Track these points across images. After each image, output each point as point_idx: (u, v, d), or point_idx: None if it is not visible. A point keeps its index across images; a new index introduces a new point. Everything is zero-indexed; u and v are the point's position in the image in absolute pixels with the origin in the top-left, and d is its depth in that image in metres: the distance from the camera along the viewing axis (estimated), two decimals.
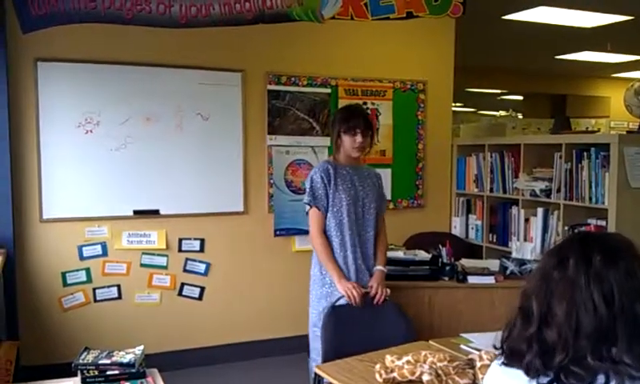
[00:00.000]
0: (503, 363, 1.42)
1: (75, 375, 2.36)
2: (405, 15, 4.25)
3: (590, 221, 4.25)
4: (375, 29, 4.85)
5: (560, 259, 1.37)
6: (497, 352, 1.47)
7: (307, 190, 3.30)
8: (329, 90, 4.91)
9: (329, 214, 3.26)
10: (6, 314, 3.90)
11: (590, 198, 4.17)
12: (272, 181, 4.77)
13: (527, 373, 1.33)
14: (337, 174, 3.25)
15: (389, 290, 3.25)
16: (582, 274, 1.31)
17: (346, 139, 3.25)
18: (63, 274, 4.26)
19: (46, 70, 4.14)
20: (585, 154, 4.23)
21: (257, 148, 4.73)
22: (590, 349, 1.27)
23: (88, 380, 2.32)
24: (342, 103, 4.92)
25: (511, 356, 1.39)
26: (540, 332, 1.33)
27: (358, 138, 3.22)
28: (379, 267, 3.32)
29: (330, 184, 3.23)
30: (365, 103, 5.02)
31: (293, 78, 4.79)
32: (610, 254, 1.33)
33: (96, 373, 2.33)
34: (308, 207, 3.31)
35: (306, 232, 4.84)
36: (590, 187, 4.17)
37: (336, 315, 3.05)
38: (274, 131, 4.75)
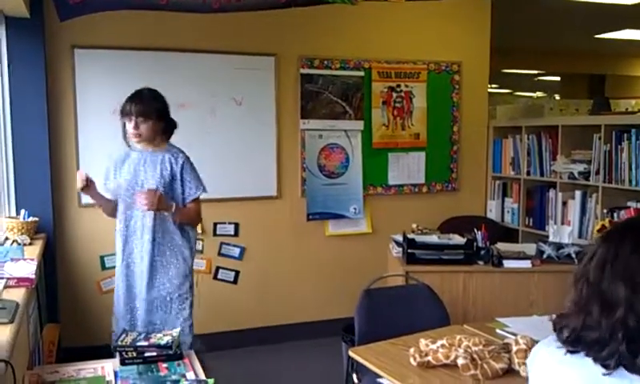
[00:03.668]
0: (569, 351, 1.36)
1: (114, 357, 2.41)
2: None
3: (629, 204, 4.16)
4: (409, 10, 4.80)
5: (638, 242, 1.32)
6: (557, 342, 1.39)
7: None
8: (362, 73, 4.87)
9: (118, 198, 3.26)
10: (47, 298, 4.00)
11: (630, 181, 4.08)
12: (305, 165, 4.78)
13: (606, 360, 1.28)
14: (125, 160, 3.24)
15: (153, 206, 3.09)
16: None
17: (127, 125, 3.18)
18: (102, 258, 4.35)
19: (83, 57, 4.20)
20: (625, 135, 4.13)
21: (290, 132, 4.74)
22: None
23: (127, 361, 2.36)
24: (375, 86, 4.90)
25: (588, 345, 1.32)
26: (625, 319, 1.27)
27: (132, 124, 3.14)
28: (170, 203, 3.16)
29: (115, 170, 3.25)
30: (398, 85, 4.97)
31: (325, 62, 4.77)
32: None
33: (134, 354, 2.37)
34: None
35: (339, 216, 4.89)
36: (630, 169, 4.07)
37: (369, 299, 3.05)
38: (306, 115, 4.74)
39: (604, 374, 1.28)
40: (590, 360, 1.31)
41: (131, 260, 3.24)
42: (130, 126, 3.15)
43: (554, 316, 1.45)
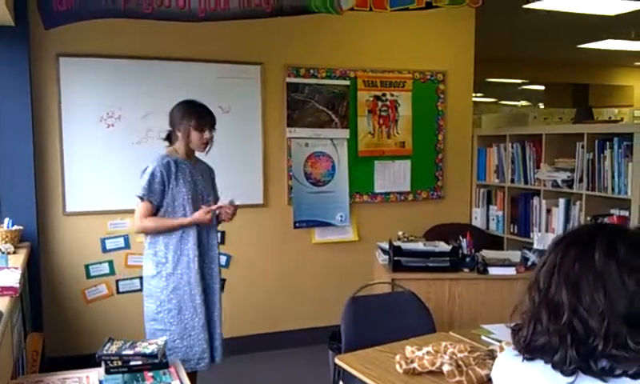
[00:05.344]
0: (526, 359, 1.38)
1: (99, 366, 2.39)
2: (424, 5, 4.22)
3: (612, 211, 4.20)
4: (394, 19, 4.83)
5: (581, 251, 1.35)
6: (513, 349, 1.42)
7: (144, 183, 3.17)
8: (348, 82, 4.89)
9: (170, 210, 3.20)
10: (31, 306, 3.97)
11: (613, 189, 4.12)
12: (291, 173, 4.79)
13: (561, 366, 1.29)
14: (178, 169, 3.21)
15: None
16: (612, 263, 1.30)
17: (195, 135, 3.23)
18: (86, 267, 4.32)
19: (68, 66, 4.19)
20: (607, 143, 4.18)
21: (276, 140, 4.74)
22: (628, 333, 1.26)
23: (112, 370, 2.35)
24: (360, 95, 4.92)
25: (540, 352, 1.35)
26: (571, 323, 1.30)
27: (206, 135, 3.26)
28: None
29: (169, 180, 3.17)
30: (384, 94, 5.00)
31: (312, 71, 4.79)
32: (634, 244, 1.34)
33: (119, 363, 2.36)
34: (139, 200, 3.20)
35: (325, 224, 4.89)
36: (613, 177, 4.12)
37: (356, 306, 3.06)
38: (293, 123, 4.75)
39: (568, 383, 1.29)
40: (550, 366, 1.32)
41: (209, 269, 3.35)
42: (207, 136, 3.27)
43: (512, 324, 1.47)
